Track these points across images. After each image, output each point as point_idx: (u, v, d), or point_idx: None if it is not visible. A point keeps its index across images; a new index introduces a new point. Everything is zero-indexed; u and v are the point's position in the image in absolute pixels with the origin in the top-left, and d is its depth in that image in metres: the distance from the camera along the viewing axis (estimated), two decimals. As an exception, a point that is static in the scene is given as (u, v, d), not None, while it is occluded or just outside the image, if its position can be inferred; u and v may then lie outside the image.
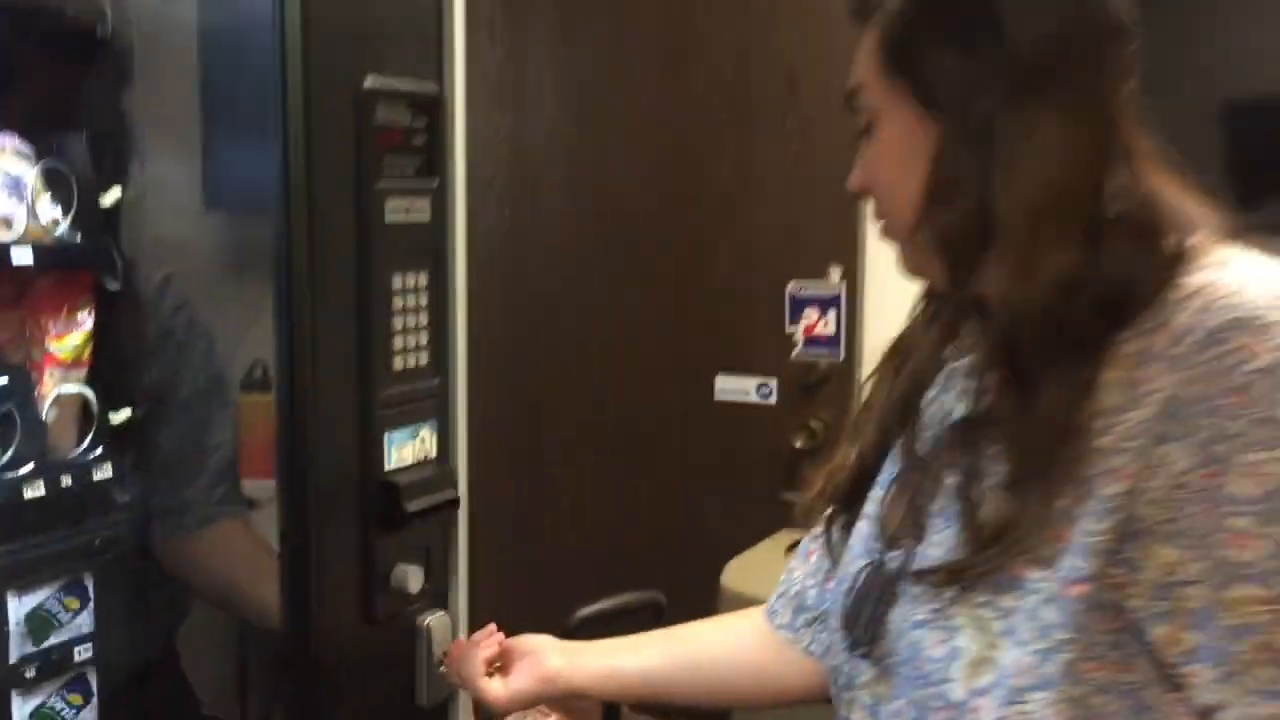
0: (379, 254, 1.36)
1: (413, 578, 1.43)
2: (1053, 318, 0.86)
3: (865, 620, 1.00)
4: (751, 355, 2.84)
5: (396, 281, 1.39)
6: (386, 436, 1.40)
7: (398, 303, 1.39)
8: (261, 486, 1.77)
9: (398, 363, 1.40)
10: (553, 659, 1.30)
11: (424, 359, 1.44)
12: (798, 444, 2.75)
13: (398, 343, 1.40)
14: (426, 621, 1.48)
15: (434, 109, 1.40)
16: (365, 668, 1.44)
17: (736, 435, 2.85)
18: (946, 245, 0.90)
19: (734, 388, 2.88)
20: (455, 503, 1.49)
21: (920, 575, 0.94)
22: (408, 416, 1.43)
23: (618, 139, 2.92)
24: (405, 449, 1.43)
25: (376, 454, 1.40)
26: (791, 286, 2.77)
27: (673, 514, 2.85)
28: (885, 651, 0.98)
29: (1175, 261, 0.86)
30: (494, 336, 2.78)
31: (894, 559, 0.98)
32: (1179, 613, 0.82)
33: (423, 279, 1.42)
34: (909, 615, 0.96)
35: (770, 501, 2.59)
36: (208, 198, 1.87)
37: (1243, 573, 0.80)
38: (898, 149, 0.94)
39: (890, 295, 2.57)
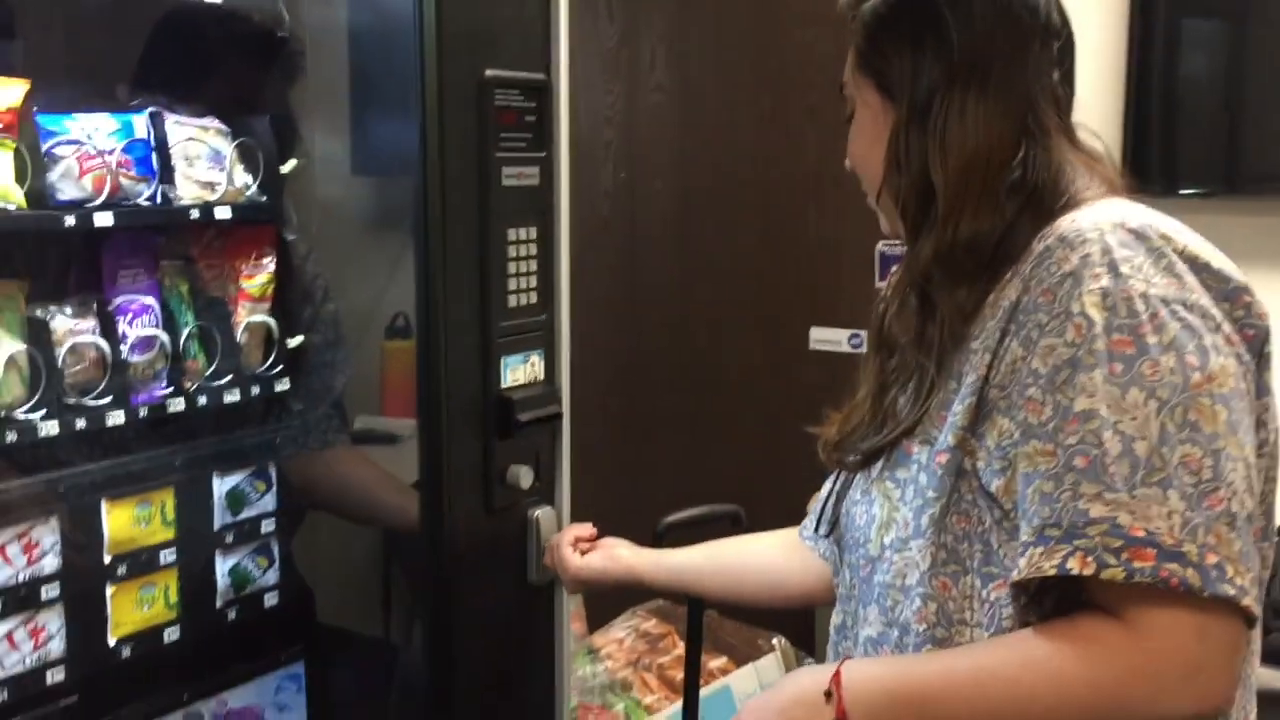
0: (495, 212, 1.65)
1: (524, 477, 1.73)
2: (956, 264, 1.09)
3: (830, 507, 1.28)
4: (843, 309, 3.08)
5: (511, 234, 1.69)
6: (502, 360, 1.70)
7: (511, 251, 1.69)
8: (401, 424, 2.04)
9: (511, 300, 1.70)
10: (622, 549, 1.63)
11: (533, 298, 1.73)
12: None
13: (511, 284, 1.69)
14: (536, 514, 1.77)
15: (542, 94, 1.69)
16: (486, 552, 1.73)
17: (829, 381, 3.08)
18: (901, 208, 1.15)
19: (828, 338, 3.12)
20: (559, 416, 1.79)
21: (852, 464, 1.21)
22: (520, 345, 1.72)
23: (720, 107, 3.17)
24: (518, 371, 1.73)
25: (494, 375, 1.69)
26: (880, 246, 3.00)
27: (761, 446, 3.09)
28: (841, 531, 1.26)
29: (1058, 214, 1.08)
30: (605, 284, 3.08)
31: (850, 457, 1.23)
32: (1006, 469, 1.04)
33: (532, 232, 1.71)
34: (851, 497, 1.23)
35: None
36: (354, 165, 2.14)
37: (1035, 431, 1.01)
38: (868, 131, 1.19)
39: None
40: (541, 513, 1.78)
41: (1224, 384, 0.97)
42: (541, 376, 1.76)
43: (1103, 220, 1.04)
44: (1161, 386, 0.96)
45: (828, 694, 1.06)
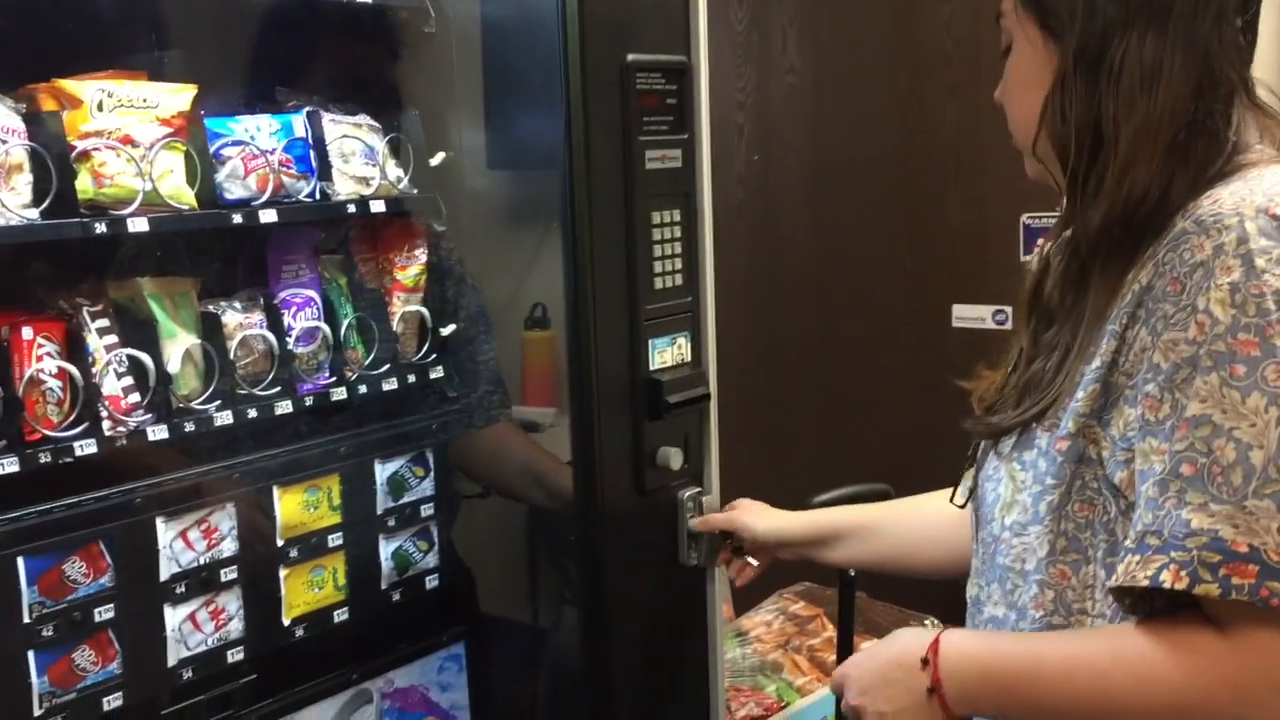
0: (640, 195, 1.66)
1: (674, 458, 1.73)
2: (1126, 229, 1.02)
3: (971, 476, 1.24)
4: (986, 284, 3.02)
5: (655, 217, 1.69)
6: (650, 343, 1.71)
7: (656, 234, 1.69)
8: (542, 413, 2.10)
9: (657, 283, 1.71)
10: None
11: (679, 280, 1.74)
12: (1030, 366, 2.92)
13: (657, 267, 1.70)
14: (686, 494, 1.78)
15: (683, 77, 1.70)
16: (638, 532, 1.74)
17: (973, 358, 3.03)
18: (1062, 155, 1.07)
19: (971, 315, 3.07)
20: (707, 397, 1.79)
21: (986, 435, 1.17)
22: (666, 327, 1.73)
23: (854, 87, 3.14)
24: (665, 353, 1.74)
25: (643, 357, 1.70)
26: (1025, 218, 2.94)
27: (905, 425, 3.06)
28: (976, 502, 1.22)
29: (1215, 180, 1.00)
30: (741, 268, 3.08)
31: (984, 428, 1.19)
32: (1129, 461, 1.00)
33: (676, 215, 1.72)
34: (985, 470, 1.19)
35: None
36: (490, 159, 2.13)
37: (1152, 429, 0.97)
38: (1025, 69, 1.12)
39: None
40: (692, 493, 1.78)
41: None
42: (689, 358, 1.77)
43: (1245, 203, 0.97)
44: None
45: (924, 660, 1.07)
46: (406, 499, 1.76)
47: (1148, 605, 0.99)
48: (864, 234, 3.16)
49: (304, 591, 1.64)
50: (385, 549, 1.74)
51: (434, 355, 1.80)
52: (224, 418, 1.54)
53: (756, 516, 1.68)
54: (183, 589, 1.50)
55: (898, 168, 3.10)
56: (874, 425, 3.13)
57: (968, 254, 3.03)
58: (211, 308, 1.58)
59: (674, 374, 1.73)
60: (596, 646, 1.71)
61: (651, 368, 1.71)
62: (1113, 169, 1.03)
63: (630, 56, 1.63)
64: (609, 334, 1.67)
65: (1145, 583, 0.94)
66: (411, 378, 1.77)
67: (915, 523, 1.51)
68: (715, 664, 1.86)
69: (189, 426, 1.50)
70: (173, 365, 1.50)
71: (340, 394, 1.67)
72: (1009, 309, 2.99)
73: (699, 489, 1.80)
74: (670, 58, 1.69)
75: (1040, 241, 1.20)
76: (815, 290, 3.25)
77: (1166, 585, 0.93)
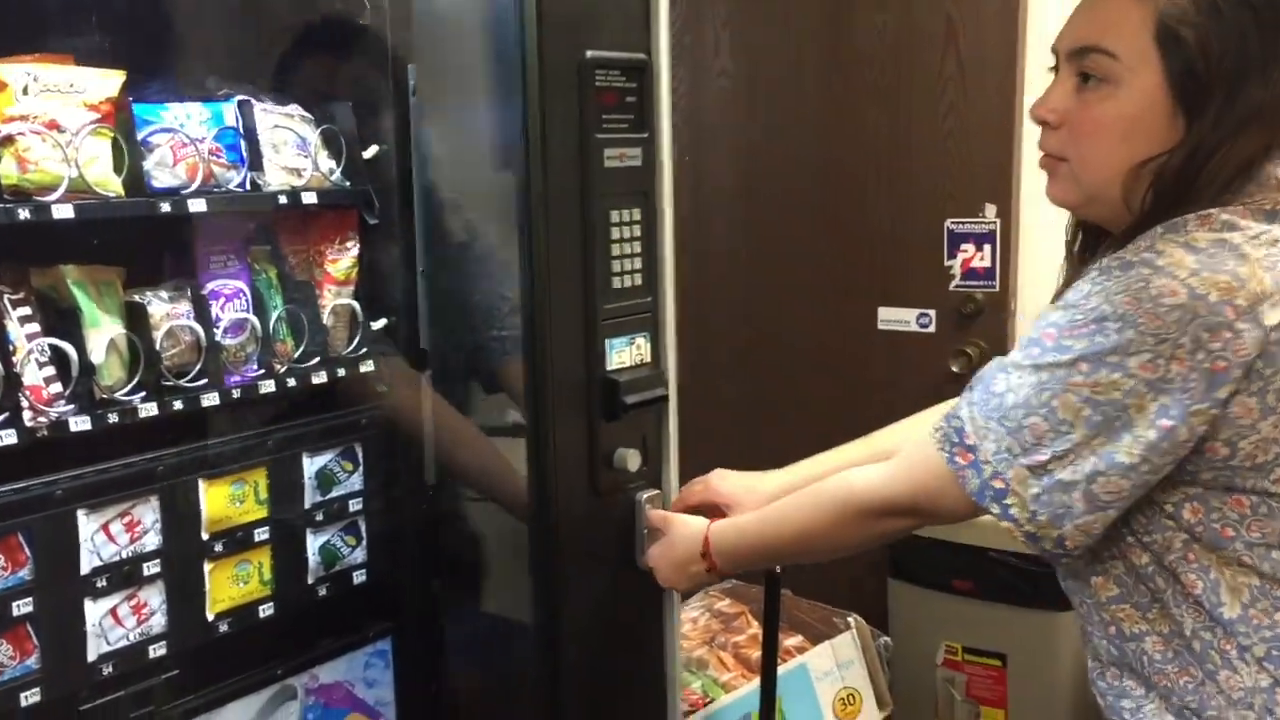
0: (598, 193, 1.63)
1: (631, 459, 1.69)
2: None
3: None
4: (910, 288, 3.07)
5: (614, 216, 1.65)
6: (607, 343, 1.67)
7: (614, 233, 1.66)
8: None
9: (615, 283, 1.67)
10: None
11: (638, 280, 1.70)
12: (955, 368, 2.98)
13: (615, 266, 1.66)
14: (644, 497, 1.73)
15: (643, 75, 1.68)
16: (594, 534, 1.70)
17: (898, 360, 3.09)
18: (1158, 190, 1.19)
19: (895, 318, 3.12)
20: (665, 398, 1.74)
21: None
22: (625, 327, 1.69)
23: (785, 89, 3.18)
24: (623, 353, 1.70)
25: (599, 357, 1.67)
26: (949, 224, 3.00)
27: (834, 424, 3.09)
28: None
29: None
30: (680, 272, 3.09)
31: None
32: None
33: (636, 214, 1.68)
34: None
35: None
36: (446, 154, 2.09)
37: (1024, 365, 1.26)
38: (1127, 117, 1.21)
39: (1040, 230, 2.77)
40: (649, 496, 1.74)
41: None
42: (648, 359, 1.73)
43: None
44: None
45: (702, 554, 1.58)
46: (335, 493, 1.75)
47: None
48: (793, 236, 3.20)
49: (229, 586, 1.62)
50: (313, 543, 1.73)
51: (364, 349, 1.79)
52: (149, 409, 1.51)
53: (736, 485, 1.73)
54: (104, 583, 1.47)
55: (827, 171, 3.14)
56: (799, 424, 3.15)
57: (893, 258, 3.08)
58: (138, 297, 1.55)
59: (632, 374, 1.71)
60: (549, 648, 1.69)
61: (609, 368, 1.68)
62: (1203, 199, 1.19)
63: (589, 53, 1.61)
64: (564, 333, 1.64)
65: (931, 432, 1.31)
66: (341, 371, 1.76)
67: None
68: (673, 664, 1.84)
69: (113, 417, 1.47)
70: (96, 355, 1.47)
71: (268, 386, 1.65)
72: (933, 312, 3.05)
73: (657, 491, 1.76)
74: (630, 55, 1.67)
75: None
76: (744, 291, 3.28)
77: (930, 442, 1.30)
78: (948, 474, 1.27)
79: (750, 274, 3.28)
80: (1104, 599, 1.29)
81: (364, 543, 1.80)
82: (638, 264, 1.71)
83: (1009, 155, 2.89)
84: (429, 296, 1.85)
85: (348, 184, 1.76)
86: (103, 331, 1.49)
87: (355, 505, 1.78)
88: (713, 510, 1.70)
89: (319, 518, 1.73)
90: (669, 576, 1.67)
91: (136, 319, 1.53)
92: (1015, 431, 1.21)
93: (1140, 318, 1.12)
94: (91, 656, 1.47)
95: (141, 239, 1.60)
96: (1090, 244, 1.35)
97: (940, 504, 1.31)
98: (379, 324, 1.83)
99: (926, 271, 3.02)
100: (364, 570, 1.79)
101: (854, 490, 1.41)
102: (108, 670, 1.48)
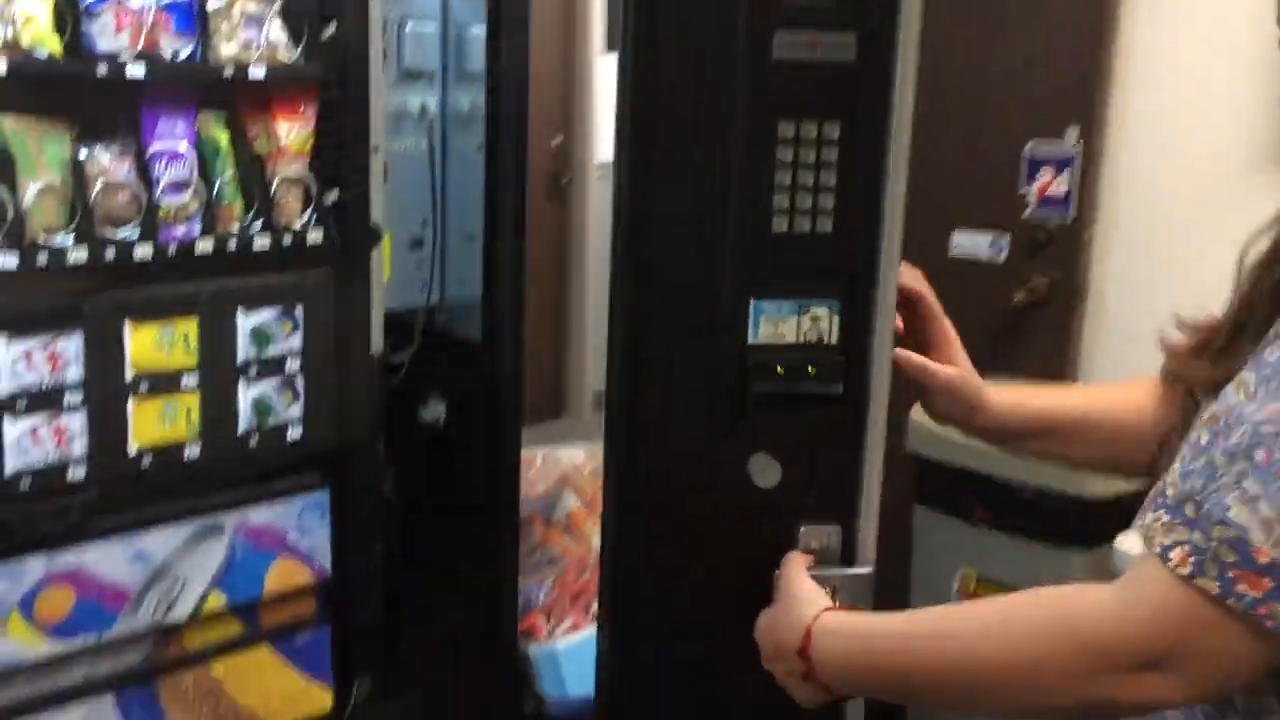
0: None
1: (766, 472, 1.17)
2: None
3: None
4: (986, 212, 2.93)
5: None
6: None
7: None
8: None
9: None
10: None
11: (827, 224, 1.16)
12: (1016, 299, 2.84)
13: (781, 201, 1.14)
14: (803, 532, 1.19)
15: None
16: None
17: (966, 289, 2.96)
18: None
19: (968, 243, 2.99)
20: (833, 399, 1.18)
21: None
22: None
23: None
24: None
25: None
26: (1028, 147, 2.83)
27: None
28: None
29: None
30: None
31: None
32: None
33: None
34: None
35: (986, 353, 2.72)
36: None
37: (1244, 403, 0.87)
38: None
39: (1129, 158, 2.58)
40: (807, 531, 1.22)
41: None
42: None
43: None
44: None
45: (799, 651, 1.03)
46: (272, 351, 1.86)
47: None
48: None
49: (154, 424, 1.76)
50: (245, 395, 1.85)
51: (314, 219, 1.89)
52: (79, 255, 1.66)
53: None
54: (24, 405, 1.64)
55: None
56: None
57: (968, 180, 2.95)
58: (83, 152, 1.69)
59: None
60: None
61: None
62: None
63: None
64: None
65: (1155, 550, 0.86)
66: (287, 240, 1.86)
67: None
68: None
69: (41, 259, 1.62)
70: (28, 200, 1.62)
71: (206, 246, 1.77)
72: (1006, 239, 2.91)
73: (833, 526, 1.26)
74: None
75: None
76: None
77: (1171, 564, 0.85)
78: (1224, 621, 0.83)
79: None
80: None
81: (302, 399, 1.91)
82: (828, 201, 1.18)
83: (1095, 76, 2.70)
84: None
85: (302, 61, 1.84)
86: (37, 178, 1.63)
87: (293, 364, 1.89)
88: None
89: (253, 372, 1.85)
90: (771, 664, 1.09)
91: (78, 171, 1.67)
92: None
93: None
94: (9, 472, 1.64)
95: (94, 100, 1.74)
96: None
97: (1215, 662, 0.85)
98: (332, 195, 1.91)
99: (1002, 196, 2.87)
100: (300, 426, 1.90)
101: (1080, 618, 0.90)
102: (24, 485, 1.65)
